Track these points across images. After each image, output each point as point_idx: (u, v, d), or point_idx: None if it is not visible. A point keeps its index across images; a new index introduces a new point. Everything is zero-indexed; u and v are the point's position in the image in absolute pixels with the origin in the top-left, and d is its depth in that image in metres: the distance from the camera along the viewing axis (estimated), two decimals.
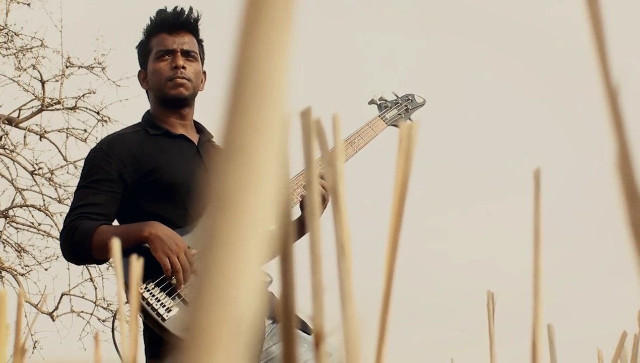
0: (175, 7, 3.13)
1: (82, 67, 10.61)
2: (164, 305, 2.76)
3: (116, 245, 0.93)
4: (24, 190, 10.37)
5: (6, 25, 10.32)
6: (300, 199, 3.03)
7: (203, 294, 0.27)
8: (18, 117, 10.41)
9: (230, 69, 0.29)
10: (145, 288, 2.81)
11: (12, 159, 10.32)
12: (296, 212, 3.07)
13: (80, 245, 2.86)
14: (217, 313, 0.27)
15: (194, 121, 3.19)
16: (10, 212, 10.32)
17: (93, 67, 10.62)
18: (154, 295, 2.79)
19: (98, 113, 10.55)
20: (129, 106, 10.54)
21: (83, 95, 10.55)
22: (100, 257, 2.87)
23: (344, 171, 0.65)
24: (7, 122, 10.31)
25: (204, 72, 3.22)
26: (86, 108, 10.58)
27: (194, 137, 3.15)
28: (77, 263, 3.03)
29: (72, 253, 2.90)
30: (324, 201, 3.00)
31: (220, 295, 0.27)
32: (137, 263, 0.92)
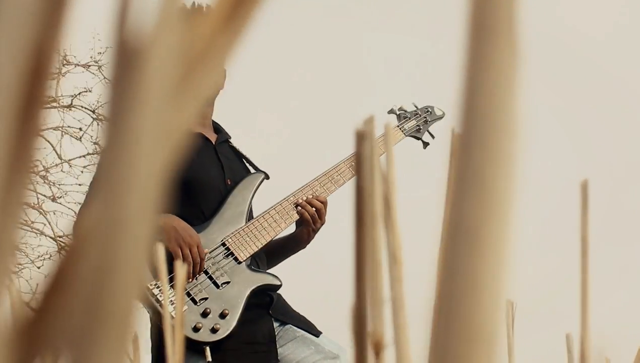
0: (193, 3, 3.11)
1: (78, 65, 10.60)
2: (173, 302, 2.77)
3: None
4: None
5: None
6: (300, 215, 3.05)
7: (449, 323, 0.27)
8: None
9: (460, 97, 0.29)
10: (155, 284, 2.82)
11: None
12: (292, 228, 3.11)
13: None
14: (463, 342, 0.27)
15: (212, 121, 3.19)
16: None
17: (89, 66, 10.61)
18: (162, 292, 2.79)
19: (93, 111, 10.54)
20: None
21: (79, 94, 10.55)
22: None
23: (396, 180, 0.65)
24: None
25: (225, 70, 3.21)
26: (82, 106, 10.58)
27: (212, 137, 3.14)
28: None
29: None
30: (319, 221, 3.04)
31: (466, 323, 0.27)
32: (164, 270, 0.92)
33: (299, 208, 3.06)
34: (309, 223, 3.06)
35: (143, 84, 0.29)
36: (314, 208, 3.06)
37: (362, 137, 0.54)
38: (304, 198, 3.08)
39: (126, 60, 0.29)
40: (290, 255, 3.21)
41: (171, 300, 2.79)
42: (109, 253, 0.27)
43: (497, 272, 0.28)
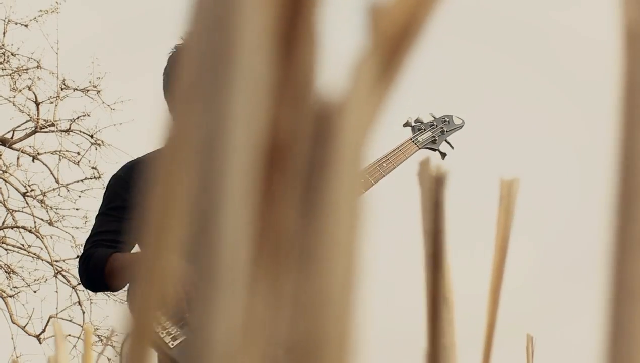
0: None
1: (77, 89, 10.60)
2: (170, 334, 2.75)
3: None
4: (15, 211, 10.32)
5: (2, 45, 10.32)
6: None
7: None
8: (12, 137, 10.38)
9: (616, 155, 0.29)
10: (166, 331, 2.80)
11: (4, 180, 10.28)
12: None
13: (94, 273, 2.87)
14: None
15: None
16: (1, 233, 10.27)
17: (88, 90, 10.62)
18: (160, 324, 2.78)
19: (92, 136, 10.53)
20: (123, 130, 10.53)
21: (77, 118, 10.54)
22: (113, 284, 2.87)
23: (445, 221, 0.65)
24: (0, 143, 10.29)
25: None
26: (80, 131, 10.57)
27: None
28: (94, 290, 3.03)
29: (88, 281, 2.92)
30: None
31: None
32: None
33: None
34: None
35: (336, 156, 0.29)
36: None
37: (438, 181, 0.54)
38: None
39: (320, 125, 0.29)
40: None
41: (169, 332, 2.77)
42: (316, 325, 0.27)
43: None
